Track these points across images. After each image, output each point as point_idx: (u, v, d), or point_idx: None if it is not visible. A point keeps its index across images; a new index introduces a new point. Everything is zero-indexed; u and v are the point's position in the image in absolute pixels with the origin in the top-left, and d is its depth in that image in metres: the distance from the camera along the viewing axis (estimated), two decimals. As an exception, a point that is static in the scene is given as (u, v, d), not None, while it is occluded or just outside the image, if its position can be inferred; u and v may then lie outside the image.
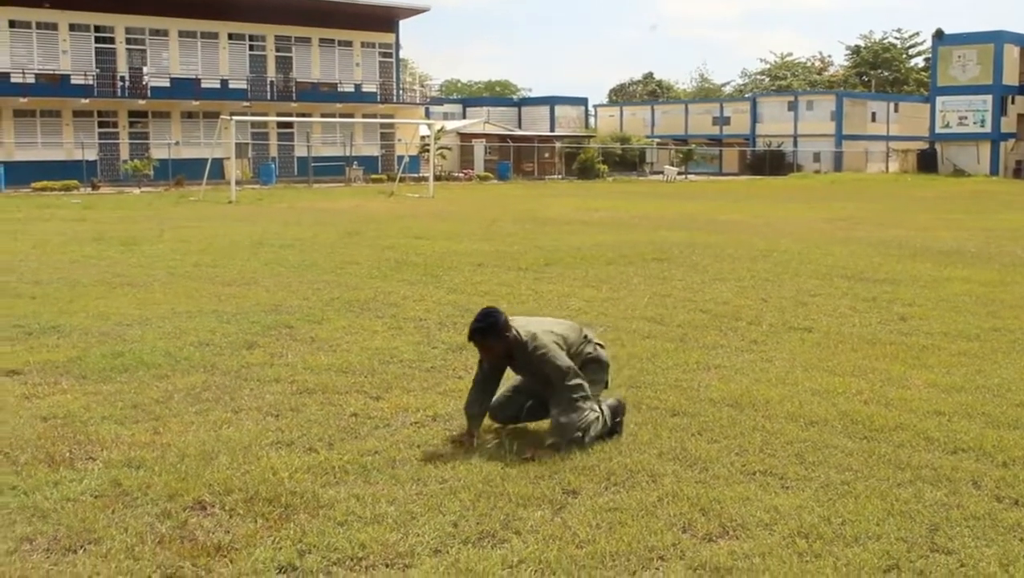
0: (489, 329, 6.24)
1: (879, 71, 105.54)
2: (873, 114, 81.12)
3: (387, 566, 4.49)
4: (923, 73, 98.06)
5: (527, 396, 6.57)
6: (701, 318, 10.77)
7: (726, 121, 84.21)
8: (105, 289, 12.85)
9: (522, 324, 6.41)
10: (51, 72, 49.76)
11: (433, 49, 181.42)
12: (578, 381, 6.26)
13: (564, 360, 6.27)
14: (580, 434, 6.16)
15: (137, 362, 8.40)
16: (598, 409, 6.32)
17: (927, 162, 74.00)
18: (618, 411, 6.50)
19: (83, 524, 4.92)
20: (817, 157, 77.05)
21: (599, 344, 6.72)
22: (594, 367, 6.56)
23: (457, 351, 9.01)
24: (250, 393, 7.49)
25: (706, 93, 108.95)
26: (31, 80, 48.98)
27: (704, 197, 40.62)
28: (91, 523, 4.93)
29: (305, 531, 4.84)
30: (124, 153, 51.49)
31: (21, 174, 44.18)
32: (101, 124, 51.46)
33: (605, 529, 4.91)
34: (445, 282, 13.49)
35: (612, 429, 6.42)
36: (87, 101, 50.07)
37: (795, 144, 78.47)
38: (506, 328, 6.27)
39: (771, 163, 75.15)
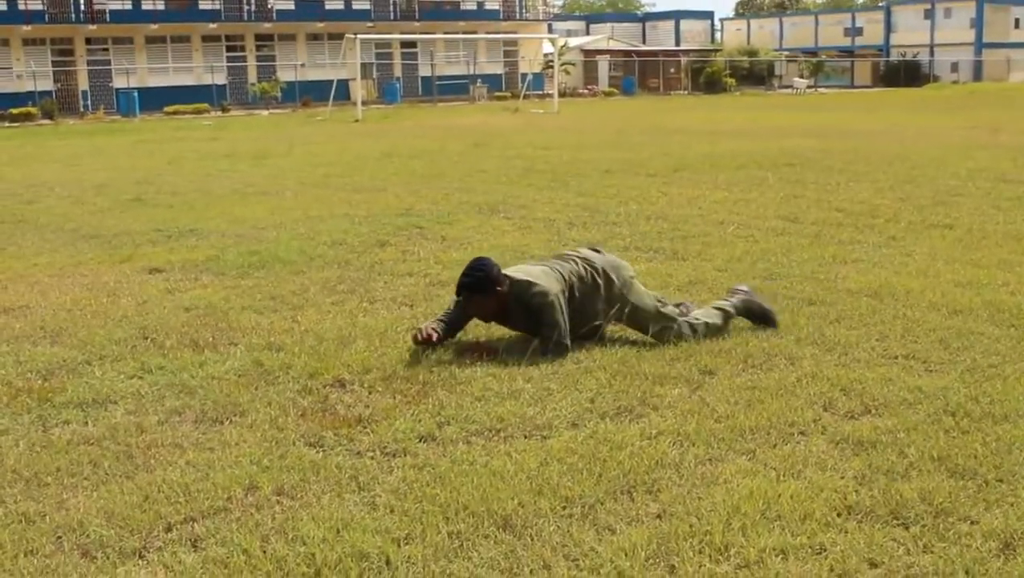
0: (478, 283, 5.71)
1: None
2: (1016, 20, 77.51)
3: (525, 437, 4.51)
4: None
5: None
6: (836, 216, 10.50)
7: (858, 32, 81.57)
8: (239, 198, 13.12)
9: (519, 272, 5.86)
10: (180, -3, 50.64)
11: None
12: (565, 342, 5.65)
13: (562, 317, 5.67)
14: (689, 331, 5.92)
15: (273, 259, 8.57)
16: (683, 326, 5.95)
17: (1075, 70, 70.67)
18: (748, 308, 6.21)
19: (228, 398, 5.06)
20: (955, 67, 74.18)
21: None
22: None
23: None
24: (384, 285, 7.59)
25: (837, 3, 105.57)
26: (161, 7, 49.86)
27: (836, 108, 39.54)
28: (236, 397, 5.07)
29: (443, 405, 4.89)
30: (252, 76, 52.22)
31: (154, 99, 45.15)
32: (229, 48, 52.23)
33: (744, 406, 4.85)
34: (574, 187, 13.42)
35: (763, 318, 6.20)
36: (215, 26, 50.81)
37: (931, 54, 75.66)
38: (498, 281, 5.72)
39: (906, 74, 72.58)
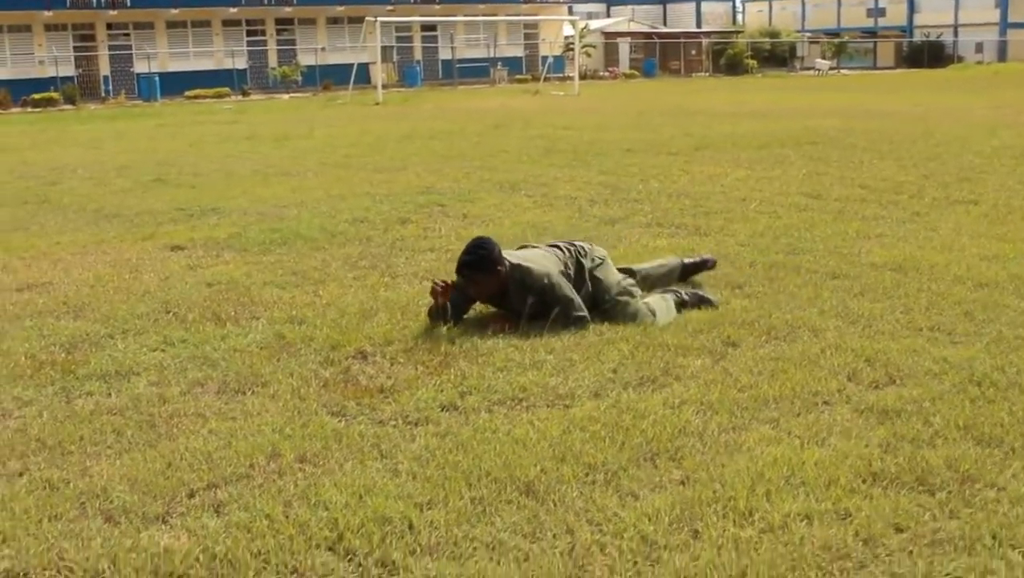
0: (480, 262, 5.65)
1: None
2: (1042, 0, 76.68)
3: (548, 406, 4.50)
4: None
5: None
6: (859, 193, 10.43)
7: (881, 12, 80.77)
8: (260, 178, 13.12)
9: (516, 257, 5.81)
10: (201, -18, 50.62)
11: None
12: (583, 314, 5.67)
13: (570, 291, 5.71)
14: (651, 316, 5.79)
15: (294, 236, 8.58)
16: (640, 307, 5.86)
17: (1101, 50, 69.81)
18: (689, 299, 6.11)
19: (250, 370, 5.06)
20: (979, 47, 73.43)
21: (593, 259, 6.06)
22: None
23: (609, 224, 8.94)
24: (405, 261, 7.58)
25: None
26: (182, -9, 49.94)
27: (859, 89, 39.26)
28: (258, 369, 5.07)
29: (465, 375, 4.89)
30: (272, 60, 52.20)
31: (175, 83, 45.21)
32: (249, 32, 52.19)
33: (767, 376, 4.83)
34: (595, 165, 13.38)
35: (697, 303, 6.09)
36: (235, 10, 50.78)
37: (956, 34, 74.94)
38: (499, 261, 5.67)
39: (929, 55, 71.89)
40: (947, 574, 3.05)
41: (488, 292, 5.81)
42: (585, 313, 5.68)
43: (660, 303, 5.96)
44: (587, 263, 5.97)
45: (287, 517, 3.43)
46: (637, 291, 6.03)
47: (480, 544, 3.26)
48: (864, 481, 3.67)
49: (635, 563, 3.12)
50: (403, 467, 3.83)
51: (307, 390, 4.74)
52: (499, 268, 5.67)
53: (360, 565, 3.15)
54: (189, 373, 5.06)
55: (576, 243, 6.14)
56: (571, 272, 5.87)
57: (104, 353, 5.42)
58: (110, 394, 4.80)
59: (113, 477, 3.80)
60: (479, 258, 5.67)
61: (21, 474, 3.89)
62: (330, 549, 3.24)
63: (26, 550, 3.26)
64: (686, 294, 6.15)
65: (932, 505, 3.48)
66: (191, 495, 3.65)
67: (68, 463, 3.97)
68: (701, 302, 6.10)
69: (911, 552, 3.18)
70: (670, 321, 5.78)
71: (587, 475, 3.75)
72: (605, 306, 5.87)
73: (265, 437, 4.15)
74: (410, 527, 3.36)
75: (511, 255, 5.84)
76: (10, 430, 4.36)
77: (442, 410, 4.47)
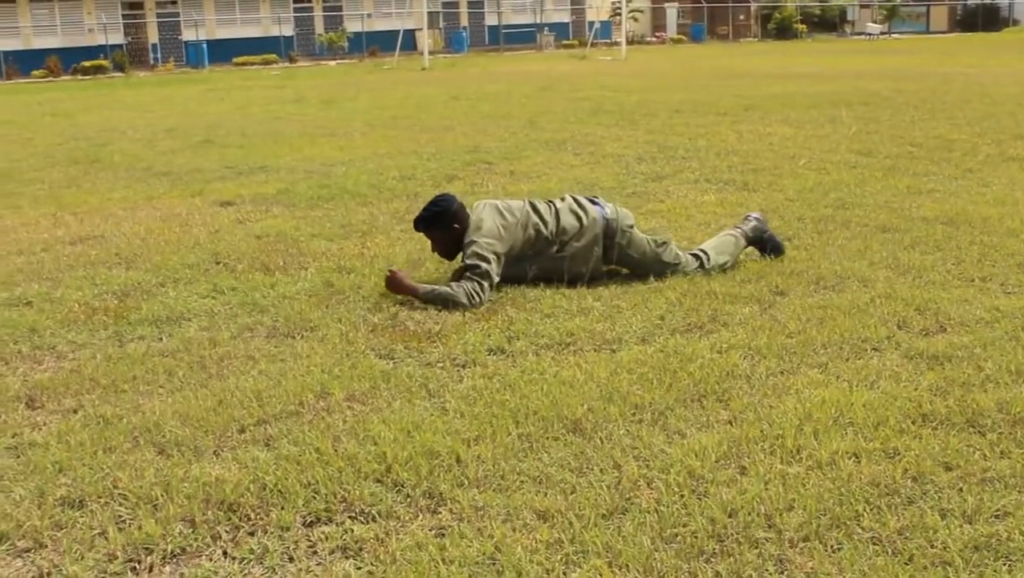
0: (434, 218, 5.50)
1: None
2: (1100, -39, 74.99)
3: (595, 350, 4.50)
4: None
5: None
6: (911, 151, 10.30)
7: (934, -24, 79.46)
8: (307, 139, 13.18)
9: (478, 214, 5.49)
10: (248, -52, 50.70)
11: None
12: (466, 303, 5.16)
13: (480, 255, 5.28)
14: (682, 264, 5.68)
15: (342, 192, 8.62)
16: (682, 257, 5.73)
17: None
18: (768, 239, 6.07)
19: (299, 315, 5.10)
20: (1035, 11, 72.06)
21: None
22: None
23: (657, 180, 8.89)
24: (452, 215, 7.58)
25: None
26: (230, -43, 50.04)
27: (911, 53, 38.64)
28: (307, 315, 5.11)
29: (513, 321, 4.90)
30: (319, 27, 52.24)
31: (222, 51, 45.40)
32: (296, -1, 52.34)
33: (816, 323, 4.80)
34: (642, 125, 13.30)
35: (774, 248, 6.05)
36: (283, -23, 50.90)
37: (1010, -3, 73.52)
38: (455, 219, 5.46)
39: (984, 18, 70.65)
40: (997, 510, 3.02)
41: (444, 249, 5.63)
42: (472, 303, 5.19)
43: (724, 240, 5.90)
44: (619, 239, 5.62)
45: (336, 451, 3.46)
46: (672, 254, 5.72)
47: (527, 477, 3.27)
48: (913, 422, 3.65)
49: (682, 496, 3.12)
50: (451, 405, 3.86)
51: (356, 334, 4.78)
52: (455, 225, 5.48)
53: (408, 496, 3.18)
54: (239, 319, 5.12)
55: (605, 213, 5.66)
56: (547, 231, 5.52)
57: (155, 300, 5.49)
58: (161, 338, 4.87)
59: (165, 413, 3.85)
60: (432, 215, 5.51)
61: (76, 411, 3.96)
62: (378, 481, 3.27)
63: (81, 479, 3.32)
64: (767, 235, 6.09)
65: (982, 445, 3.45)
66: (241, 430, 3.70)
67: (121, 401, 4.03)
68: (775, 248, 6.06)
69: (960, 489, 3.16)
70: (727, 255, 5.80)
71: (634, 414, 3.75)
72: (647, 262, 5.66)
73: (314, 377, 4.19)
74: (457, 461, 3.38)
75: (480, 208, 5.55)
76: (65, 371, 4.44)
77: (489, 353, 4.49)
